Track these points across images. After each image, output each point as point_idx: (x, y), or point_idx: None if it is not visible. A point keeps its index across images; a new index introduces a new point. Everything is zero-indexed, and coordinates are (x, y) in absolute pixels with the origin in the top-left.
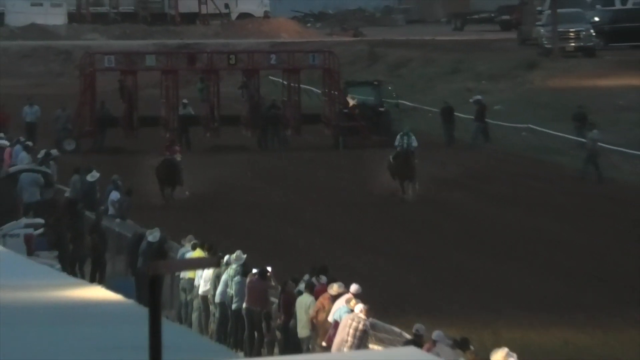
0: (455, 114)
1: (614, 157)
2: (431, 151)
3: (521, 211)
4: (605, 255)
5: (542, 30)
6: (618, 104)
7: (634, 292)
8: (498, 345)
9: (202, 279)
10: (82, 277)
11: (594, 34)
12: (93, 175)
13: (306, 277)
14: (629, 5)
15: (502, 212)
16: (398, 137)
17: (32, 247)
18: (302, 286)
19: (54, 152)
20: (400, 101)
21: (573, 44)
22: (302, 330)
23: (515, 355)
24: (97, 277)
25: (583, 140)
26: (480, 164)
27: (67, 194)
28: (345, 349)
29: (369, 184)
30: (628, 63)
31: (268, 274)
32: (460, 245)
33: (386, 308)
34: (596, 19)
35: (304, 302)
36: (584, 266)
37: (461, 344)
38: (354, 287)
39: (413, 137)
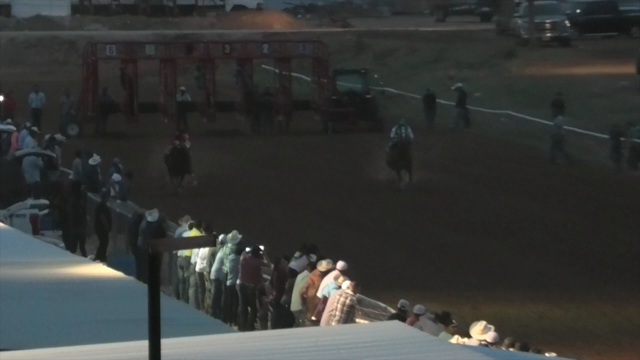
0: (438, 100)
1: (587, 141)
2: (415, 136)
3: (500, 192)
4: (579, 234)
5: (519, 21)
6: (591, 91)
7: (606, 269)
8: (477, 318)
9: (199, 256)
10: (84, 254)
11: (569, 24)
12: (94, 159)
13: (297, 254)
14: None
15: (482, 192)
16: (395, 128)
17: (37, 227)
18: (293, 263)
19: (59, 136)
20: (385, 88)
21: (549, 34)
22: (295, 305)
23: (492, 327)
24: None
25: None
26: (461, 148)
27: (71, 177)
28: (333, 323)
29: (356, 167)
30: (601, 52)
31: (261, 252)
32: (443, 224)
33: (372, 284)
34: (578, 11)
35: (299, 279)
36: (559, 244)
37: (443, 318)
38: (340, 264)
39: (410, 129)
